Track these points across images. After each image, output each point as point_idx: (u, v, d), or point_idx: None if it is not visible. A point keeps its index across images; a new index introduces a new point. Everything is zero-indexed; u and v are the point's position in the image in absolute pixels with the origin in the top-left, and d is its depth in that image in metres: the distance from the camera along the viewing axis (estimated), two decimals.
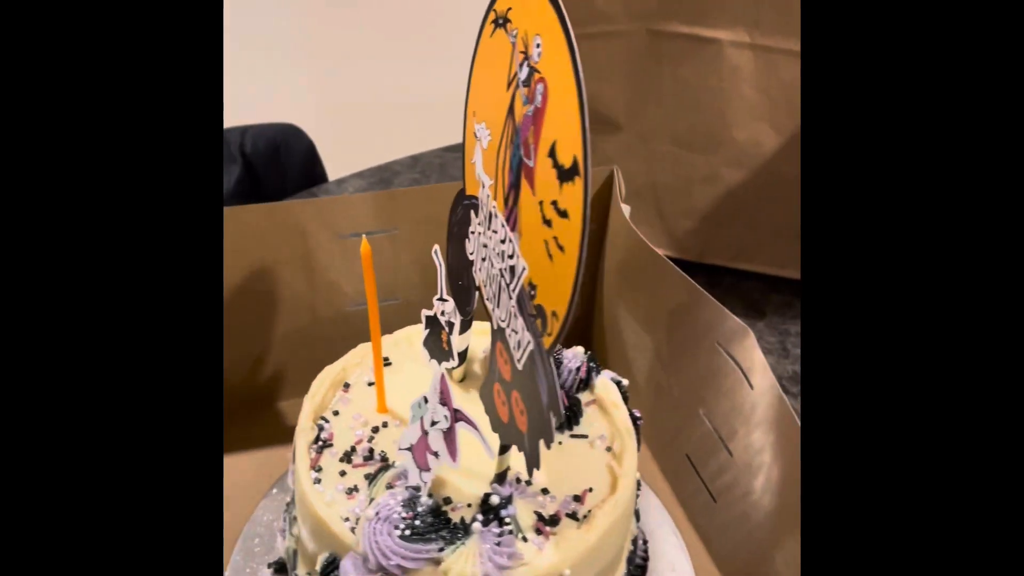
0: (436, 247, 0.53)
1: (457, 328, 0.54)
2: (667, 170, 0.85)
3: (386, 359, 0.58)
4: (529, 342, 0.41)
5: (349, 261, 0.67)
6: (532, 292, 0.41)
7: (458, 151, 1.09)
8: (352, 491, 0.49)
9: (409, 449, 0.48)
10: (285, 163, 0.99)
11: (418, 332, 0.57)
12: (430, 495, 0.48)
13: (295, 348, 0.69)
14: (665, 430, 0.68)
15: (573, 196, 0.36)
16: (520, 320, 0.42)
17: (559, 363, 0.56)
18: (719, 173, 0.83)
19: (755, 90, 0.79)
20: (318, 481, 0.50)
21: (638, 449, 0.56)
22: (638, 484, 0.56)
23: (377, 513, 0.47)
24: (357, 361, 0.57)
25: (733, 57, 0.77)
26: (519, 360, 0.43)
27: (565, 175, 0.37)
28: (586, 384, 0.57)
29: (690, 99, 0.80)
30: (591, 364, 0.57)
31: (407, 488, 0.48)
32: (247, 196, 0.97)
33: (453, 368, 0.56)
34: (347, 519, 0.48)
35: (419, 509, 0.47)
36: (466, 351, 0.56)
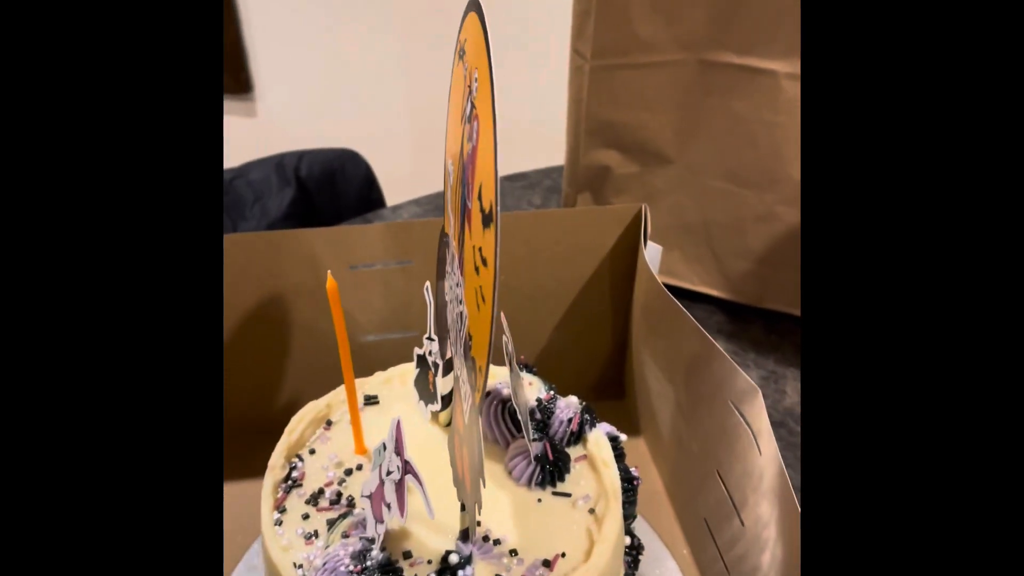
0: (428, 284, 0.51)
1: (441, 370, 0.51)
2: (719, 207, 0.80)
3: (374, 397, 0.56)
4: (469, 396, 0.38)
5: (363, 291, 0.66)
6: (470, 343, 0.38)
7: (516, 180, 1.07)
8: (311, 536, 0.47)
9: (370, 497, 0.46)
10: (341, 188, 1.00)
11: (412, 370, 0.55)
12: (383, 548, 0.45)
13: (307, 378, 0.68)
14: (686, 488, 0.63)
15: (489, 244, 0.33)
16: (466, 370, 0.40)
17: (550, 412, 0.53)
18: (775, 212, 0.77)
19: None
20: (279, 523, 0.48)
21: (630, 510, 0.52)
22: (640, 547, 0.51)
23: (324, 564, 0.44)
24: (343, 398, 0.55)
25: (790, 89, 0.72)
26: (466, 413, 0.40)
27: (486, 221, 0.34)
28: (578, 438, 0.53)
29: (743, 133, 0.75)
30: (585, 416, 0.53)
31: (361, 539, 0.46)
32: (300, 219, 0.98)
33: (438, 411, 0.53)
34: (300, 566, 0.45)
35: (368, 563, 0.44)
36: (451, 395, 0.53)
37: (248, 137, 1.81)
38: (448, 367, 0.51)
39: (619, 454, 0.53)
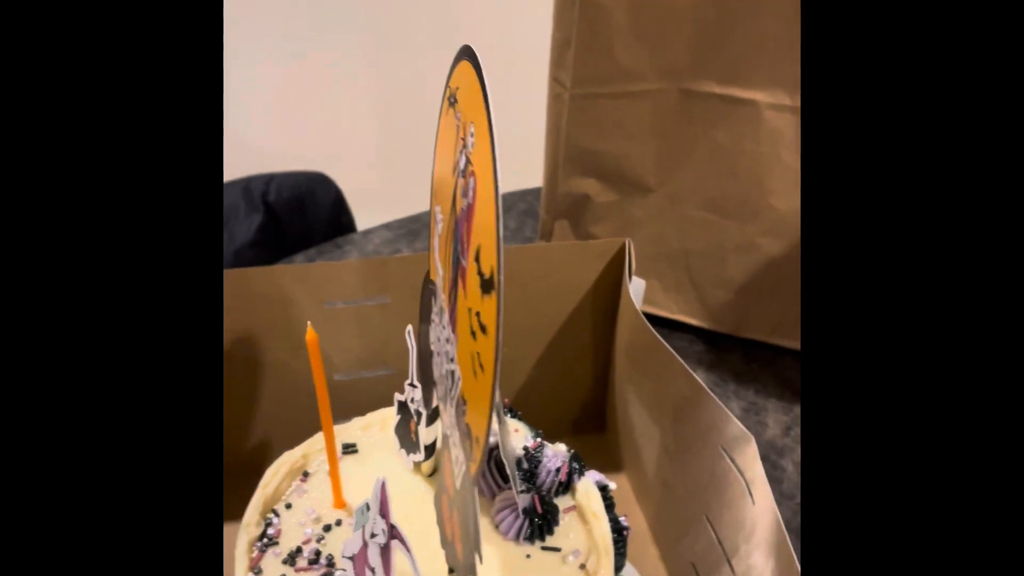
0: (409, 327, 0.49)
1: (424, 419, 0.49)
2: (700, 236, 0.79)
3: (352, 445, 0.53)
4: (462, 462, 0.36)
5: (337, 329, 0.64)
6: (463, 407, 0.36)
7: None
8: None
9: (351, 558, 0.43)
10: (311, 212, 0.97)
11: (392, 416, 0.52)
12: None
13: (279, 418, 0.65)
14: (671, 529, 0.62)
15: (490, 312, 0.31)
16: (458, 433, 0.38)
17: (537, 461, 0.51)
18: (756, 242, 0.76)
19: (797, 156, 0.72)
20: None
21: (620, 561, 0.50)
22: None
23: None
24: (321, 447, 0.53)
25: (772, 120, 0.71)
26: (456, 478, 0.38)
27: (485, 286, 0.32)
28: (567, 488, 0.51)
29: (725, 163, 0.74)
30: (574, 465, 0.51)
31: None
32: (268, 245, 0.95)
33: (421, 462, 0.51)
34: None
35: None
36: (435, 444, 0.51)
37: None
38: (433, 417, 0.49)
39: (609, 504, 0.51)
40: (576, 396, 0.72)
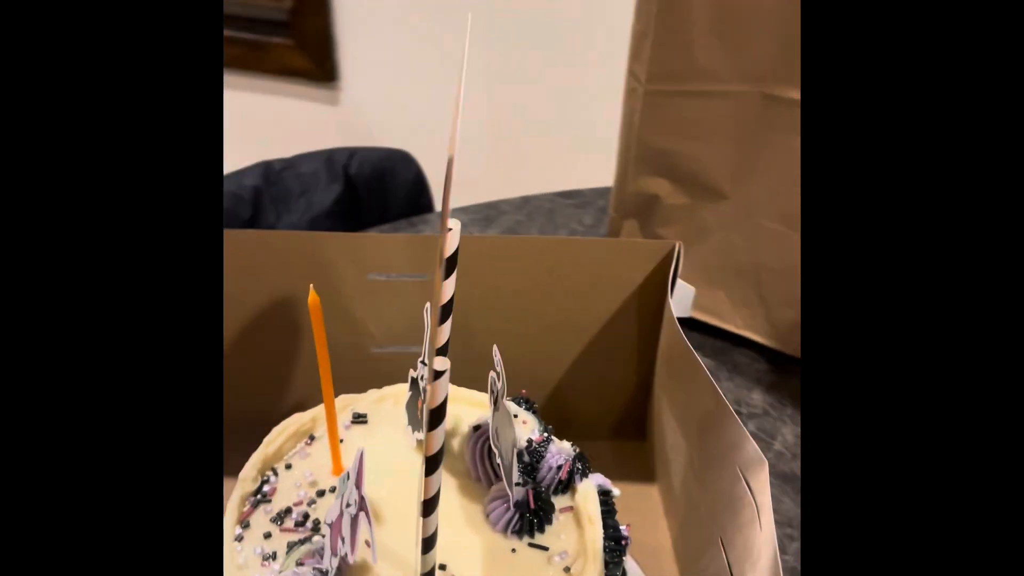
0: (427, 305, 0.49)
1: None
2: (772, 250, 0.75)
3: (363, 416, 0.53)
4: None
5: (378, 302, 0.64)
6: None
7: (570, 197, 1.04)
8: (269, 558, 0.45)
9: (331, 525, 0.43)
10: (390, 188, 0.98)
11: (407, 391, 0.52)
12: None
13: (314, 382, 0.66)
14: (691, 550, 0.59)
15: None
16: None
17: (540, 456, 0.49)
18: None
19: None
20: (240, 538, 0.46)
21: (613, 570, 0.48)
22: None
23: None
24: None
25: None
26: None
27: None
28: (566, 487, 0.49)
29: None
30: (577, 465, 0.49)
31: (315, 569, 0.43)
32: (345, 216, 0.96)
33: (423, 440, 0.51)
34: None
35: None
36: None
37: (328, 125, 1.82)
38: None
39: (609, 510, 0.49)
40: (617, 400, 0.70)
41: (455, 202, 1.03)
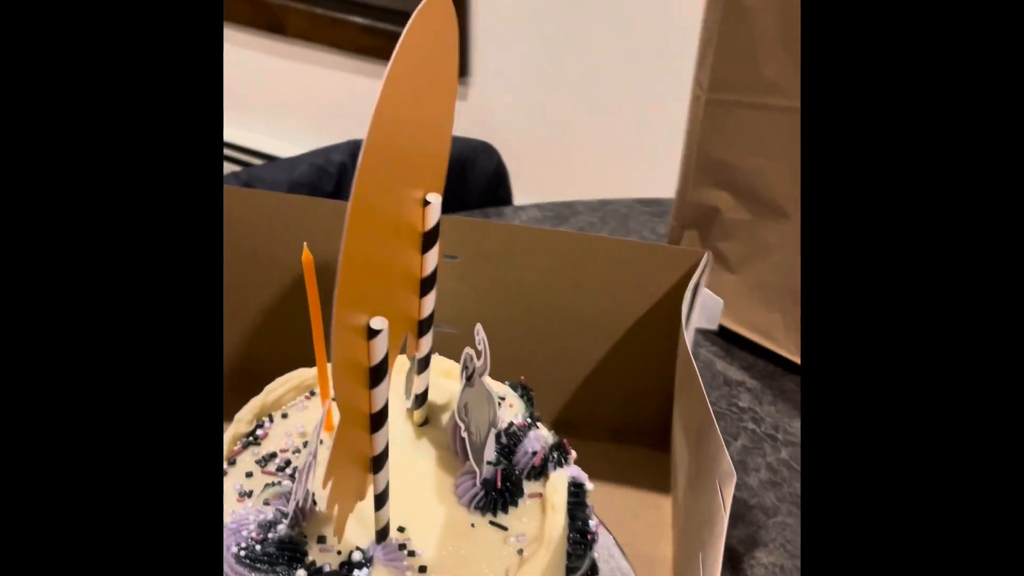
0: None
1: (416, 366, 0.50)
2: None
3: None
4: None
5: None
6: None
7: (649, 205, 1.03)
8: (245, 495, 0.48)
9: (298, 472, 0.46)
10: (469, 178, 1.00)
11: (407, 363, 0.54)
12: (295, 527, 0.45)
13: None
14: (681, 562, 0.58)
15: None
16: None
17: (518, 440, 0.50)
18: None
19: None
20: (224, 474, 0.49)
21: (576, 563, 0.48)
22: None
23: (231, 523, 0.45)
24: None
25: None
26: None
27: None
28: (539, 473, 0.50)
29: None
30: (553, 454, 0.50)
31: (277, 510, 0.46)
32: None
33: (409, 408, 0.52)
34: None
35: (270, 535, 0.44)
36: (426, 393, 0.52)
37: (457, 119, 1.88)
38: (424, 364, 0.50)
39: (578, 503, 0.49)
40: (641, 407, 0.69)
41: (531, 197, 1.05)
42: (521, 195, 1.18)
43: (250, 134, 2.10)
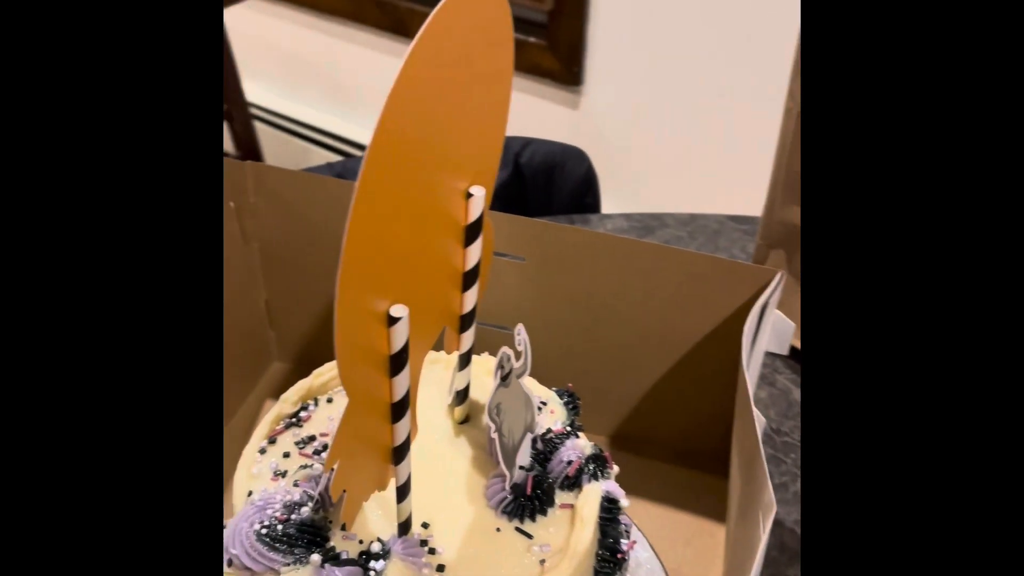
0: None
1: (457, 363, 0.50)
2: None
3: None
4: None
5: None
6: None
7: (742, 222, 0.99)
8: (280, 475, 0.48)
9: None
10: (557, 183, 0.99)
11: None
12: (320, 511, 0.45)
13: None
14: None
15: None
16: None
17: (554, 447, 0.49)
18: None
19: None
20: (263, 451, 0.50)
21: None
22: None
23: (258, 501, 0.45)
24: None
25: None
26: None
27: None
28: (573, 484, 0.48)
29: None
30: (589, 466, 0.48)
31: (304, 492, 0.46)
32: (509, 201, 0.99)
33: (450, 405, 0.52)
34: (251, 493, 0.47)
35: (293, 516, 0.44)
36: (467, 390, 0.51)
37: (561, 126, 1.87)
38: (465, 360, 0.50)
39: (611, 519, 0.47)
40: (704, 429, 0.66)
41: (621, 207, 1.02)
42: (615, 204, 1.16)
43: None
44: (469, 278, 0.45)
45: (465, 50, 0.35)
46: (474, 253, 0.44)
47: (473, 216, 0.42)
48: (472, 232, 0.43)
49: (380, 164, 0.30)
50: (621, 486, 0.50)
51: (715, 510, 0.66)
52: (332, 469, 0.42)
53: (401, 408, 0.39)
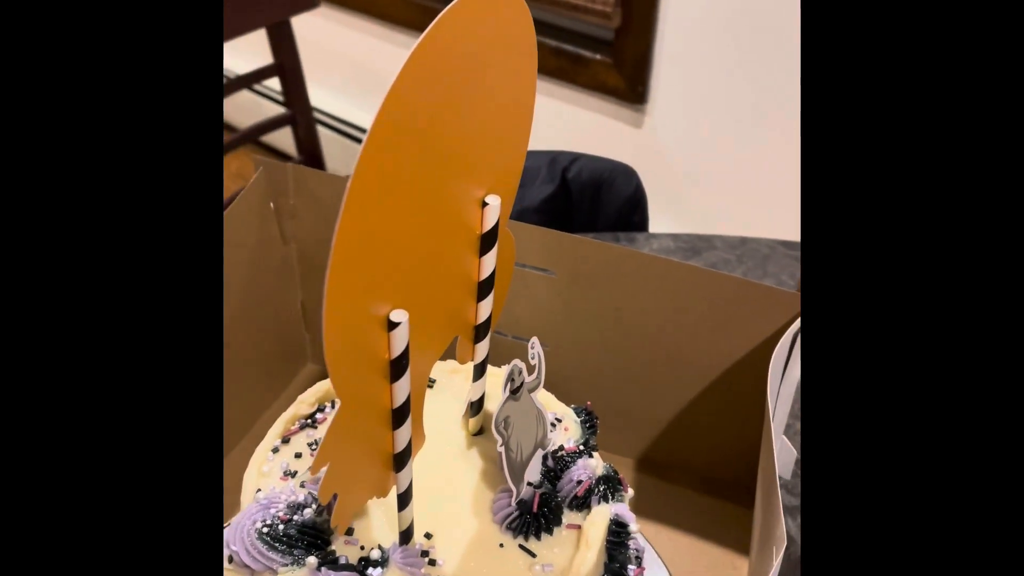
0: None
1: (473, 373, 0.49)
2: None
3: (432, 380, 0.55)
4: None
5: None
6: None
7: (795, 248, 0.96)
8: (289, 475, 0.48)
9: None
10: (604, 199, 0.98)
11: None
12: (320, 512, 0.45)
13: None
14: None
15: None
16: None
17: (565, 465, 0.48)
18: None
19: None
20: (276, 450, 0.50)
21: None
22: None
23: (264, 499, 0.45)
24: None
25: None
26: None
27: None
28: (582, 505, 0.47)
29: None
30: (600, 487, 0.47)
31: (310, 494, 0.46)
32: (554, 215, 0.98)
33: (468, 417, 0.51)
34: (259, 490, 0.47)
35: (296, 517, 0.44)
36: (481, 401, 0.50)
37: (627, 144, 1.86)
38: (480, 371, 0.49)
39: (619, 543, 0.46)
40: (731, 457, 0.64)
41: (674, 226, 1.00)
42: (667, 223, 1.14)
43: None
44: (484, 288, 0.44)
45: (479, 53, 0.34)
46: (489, 263, 0.43)
47: (488, 225, 0.42)
48: (487, 241, 0.42)
49: (377, 159, 0.30)
50: (644, 511, 0.48)
51: (739, 542, 0.64)
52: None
53: (402, 414, 0.39)
